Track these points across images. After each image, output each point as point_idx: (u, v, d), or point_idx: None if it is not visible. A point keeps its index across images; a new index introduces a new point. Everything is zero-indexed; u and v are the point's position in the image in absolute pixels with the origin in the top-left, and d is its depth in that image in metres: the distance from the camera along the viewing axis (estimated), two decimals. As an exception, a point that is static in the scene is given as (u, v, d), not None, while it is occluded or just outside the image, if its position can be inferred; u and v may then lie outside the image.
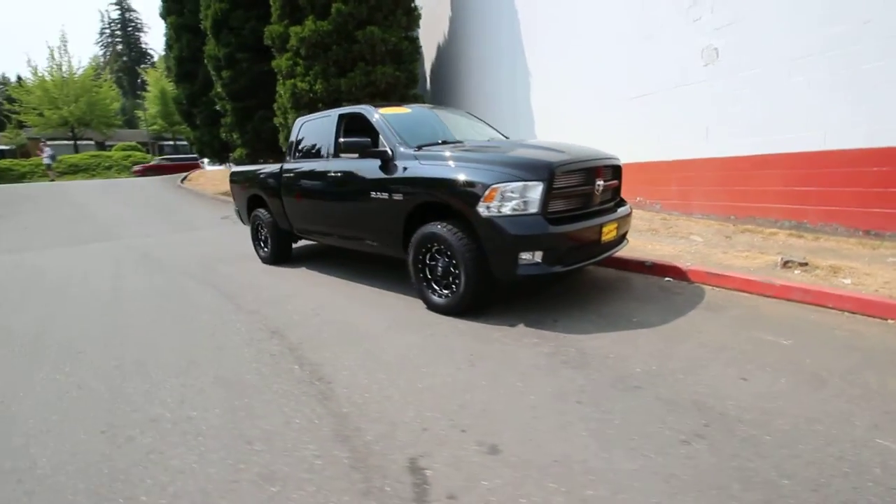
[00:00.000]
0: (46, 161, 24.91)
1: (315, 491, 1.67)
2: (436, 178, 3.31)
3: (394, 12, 10.51)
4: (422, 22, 11.25)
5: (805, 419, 1.92)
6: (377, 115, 4.02)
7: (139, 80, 42.35)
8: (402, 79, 10.64)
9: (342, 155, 3.88)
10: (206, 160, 33.53)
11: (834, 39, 4.31)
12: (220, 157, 15.59)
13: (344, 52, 10.26)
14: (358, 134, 4.27)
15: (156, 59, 50.20)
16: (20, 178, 26.58)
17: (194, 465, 1.84)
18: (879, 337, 2.64)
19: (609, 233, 3.42)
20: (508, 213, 3.02)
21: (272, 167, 5.32)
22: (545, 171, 3.03)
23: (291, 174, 4.91)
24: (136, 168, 28.14)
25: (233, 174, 6.21)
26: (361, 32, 10.17)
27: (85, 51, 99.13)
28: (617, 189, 3.82)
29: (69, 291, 4.87)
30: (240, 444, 1.97)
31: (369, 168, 3.90)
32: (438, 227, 3.30)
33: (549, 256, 3.07)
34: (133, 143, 35.73)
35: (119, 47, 60.03)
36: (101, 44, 60.01)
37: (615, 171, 3.69)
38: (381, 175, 3.74)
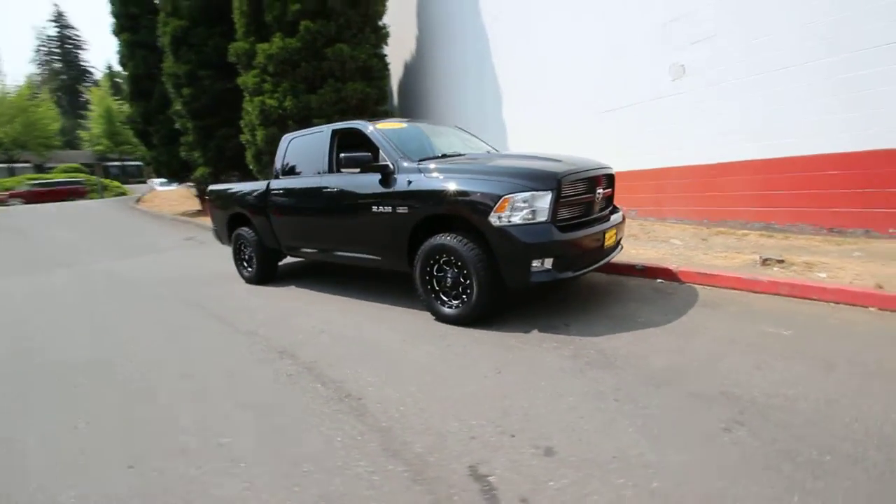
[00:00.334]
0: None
1: (383, 506, 1.64)
2: (445, 190, 3.35)
3: (362, 30, 10.58)
4: (389, 39, 11.37)
5: (825, 401, 2.07)
6: (375, 129, 4.04)
7: (80, 99, 40.15)
8: (372, 95, 10.68)
9: (343, 170, 3.85)
10: (156, 180, 32.17)
11: (795, 56, 4.72)
12: (178, 176, 14.97)
13: (313, 69, 10.21)
14: (351, 149, 4.26)
15: (98, 76, 47.95)
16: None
17: (246, 493, 1.76)
18: (868, 324, 2.88)
19: (610, 238, 3.57)
20: (519, 222, 3.10)
21: (257, 185, 5.19)
22: (553, 181, 3.13)
23: (280, 191, 4.81)
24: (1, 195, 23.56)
25: (211, 193, 6.01)
26: (331, 49, 10.16)
27: (19, 69, 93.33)
28: (611, 197, 3.99)
29: (42, 319, 4.52)
30: (286, 466, 1.90)
31: (368, 183, 3.89)
32: (448, 239, 3.33)
33: (559, 263, 3.16)
34: (76, 165, 33.68)
35: (57, 65, 56.79)
36: (37, 62, 56.60)
37: (609, 179, 3.85)
38: (383, 189, 3.74)
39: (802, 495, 1.53)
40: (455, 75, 10.81)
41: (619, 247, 3.99)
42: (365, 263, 4.18)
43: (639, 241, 5.57)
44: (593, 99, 6.96)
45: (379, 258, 3.96)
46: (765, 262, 4.16)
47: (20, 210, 20.26)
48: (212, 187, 6.05)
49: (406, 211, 3.59)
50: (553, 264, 3.16)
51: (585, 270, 3.39)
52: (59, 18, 57.31)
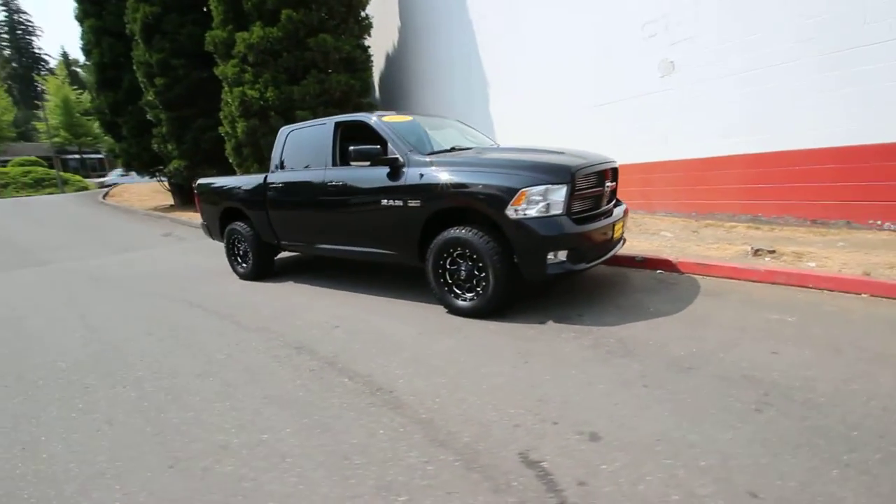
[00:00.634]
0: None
1: (446, 495, 1.66)
2: (460, 183, 3.36)
3: (346, 20, 10.41)
4: (371, 31, 11.22)
5: (842, 381, 2.21)
6: (382, 122, 4.00)
7: (36, 88, 37.97)
8: (356, 87, 10.55)
9: (352, 163, 3.80)
10: (116, 171, 30.86)
11: (781, 55, 4.93)
12: (149, 169, 14.39)
13: (295, 60, 10.00)
14: (353, 142, 4.22)
15: (53, 64, 45.44)
16: None
17: (300, 487, 1.75)
18: (863, 310, 3.07)
19: (617, 231, 3.67)
20: (535, 214, 3.15)
21: (253, 178, 5.07)
22: (567, 174, 3.19)
23: (280, 185, 4.72)
24: None
25: (200, 187, 5.83)
26: (314, 40, 9.96)
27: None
28: (614, 190, 4.09)
29: (28, 323, 4.31)
30: (335, 459, 1.90)
31: (376, 176, 3.87)
32: (463, 232, 3.35)
33: (573, 255, 3.24)
34: (33, 158, 31.87)
35: (7, 52, 53.42)
36: (-17, 48, 53.13)
37: (615, 173, 3.95)
38: (393, 182, 3.73)
39: (840, 467, 1.64)
40: (441, 68, 10.77)
41: (623, 239, 4.10)
42: (372, 258, 4.16)
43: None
44: (583, 94, 7.08)
45: (389, 252, 3.94)
46: (756, 252, 4.36)
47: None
48: (201, 181, 5.86)
49: (418, 204, 3.59)
50: (567, 256, 3.23)
51: (596, 262, 3.48)
52: (7, 3, 53.88)
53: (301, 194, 4.52)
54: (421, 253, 3.74)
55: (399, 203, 3.69)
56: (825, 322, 2.93)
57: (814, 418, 1.94)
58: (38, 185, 27.45)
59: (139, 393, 2.67)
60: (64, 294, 5.42)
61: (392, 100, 12.60)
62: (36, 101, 38.30)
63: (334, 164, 4.29)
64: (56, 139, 32.73)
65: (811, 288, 3.52)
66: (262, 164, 10.52)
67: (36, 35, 56.21)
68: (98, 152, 37.04)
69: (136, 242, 9.31)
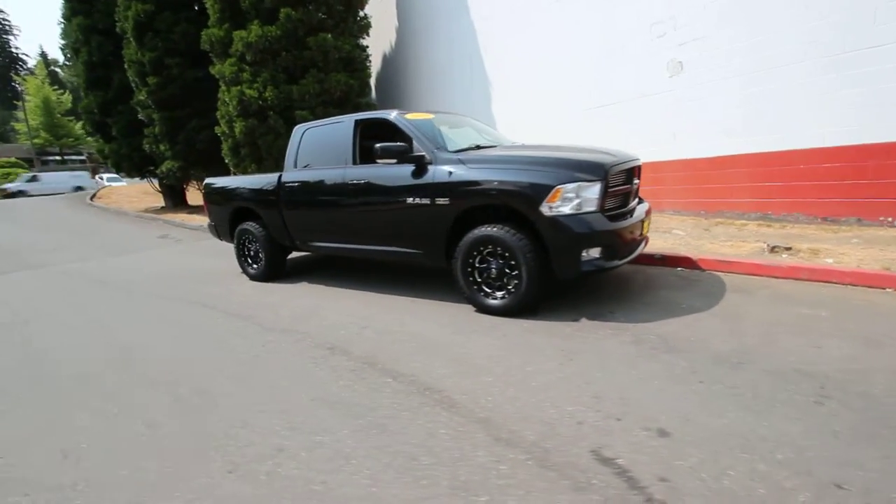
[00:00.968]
0: None
1: (526, 494, 1.62)
2: (493, 180, 3.33)
3: (345, 20, 10.34)
4: (369, 31, 11.15)
5: (892, 372, 2.23)
6: (406, 120, 3.96)
7: (14, 89, 36.92)
8: (355, 87, 10.48)
9: (378, 161, 3.75)
10: (105, 175, 30.19)
11: (786, 55, 5.02)
12: (140, 170, 14.07)
13: (294, 59, 9.89)
14: (371, 141, 4.18)
15: (31, 64, 44.31)
16: None
17: (373, 490, 1.70)
18: (891, 304, 3.12)
19: (645, 228, 3.68)
20: (570, 212, 3.14)
21: (266, 177, 4.98)
22: (602, 171, 3.19)
23: (295, 184, 4.63)
24: None
25: (209, 186, 5.71)
26: (313, 39, 9.87)
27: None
28: (637, 188, 4.10)
29: (34, 328, 4.16)
30: (402, 460, 1.85)
31: (400, 174, 3.82)
32: (495, 230, 3.32)
33: (607, 252, 3.24)
34: (13, 160, 30.96)
35: (-18, 50, 51.90)
36: (-43, 46, 51.48)
37: (639, 170, 3.96)
38: (419, 180, 3.68)
39: (916, 458, 1.66)
40: (440, 69, 10.75)
41: (646, 238, 4.12)
42: (395, 258, 4.11)
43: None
44: (588, 94, 7.12)
45: (414, 251, 3.89)
46: (773, 249, 4.41)
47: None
48: (210, 181, 5.74)
49: (447, 202, 3.55)
50: (601, 253, 3.23)
51: (626, 260, 3.48)
52: (-17, -1, 52.31)
53: (319, 193, 4.45)
54: (447, 252, 3.71)
55: (426, 201, 3.64)
56: (857, 316, 2.97)
57: (875, 409, 1.95)
58: (18, 188, 26.59)
59: (174, 396, 2.58)
60: (67, 297, 5.25)
61: (389, 100, 12.53)
62: (14, 101, 37.29)
63: (354, 163, 4.23)
64: (36, 140, 31.86)
65: (835, 283, 3.58)
66: (260, 165, 10.38)
67: (13, 34, 54.69)
68: (80, 154, 36.16)
69: (132, 245, 9.08)
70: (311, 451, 1.95)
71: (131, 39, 11.48)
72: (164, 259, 7.37)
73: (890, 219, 4.52)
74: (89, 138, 17.05)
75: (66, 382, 2.90)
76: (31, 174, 23.69)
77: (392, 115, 4.07)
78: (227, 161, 10.97)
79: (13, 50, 53.46)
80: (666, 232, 5.70)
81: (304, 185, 4.56)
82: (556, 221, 3.12)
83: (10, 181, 26.08)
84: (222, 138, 10.67)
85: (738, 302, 3.39)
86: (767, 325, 2.93)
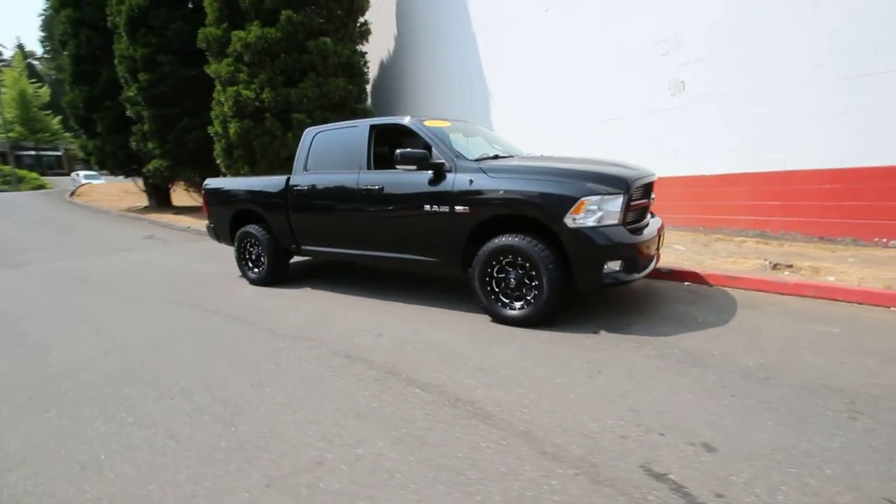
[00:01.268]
0: None
1: (585, 510, 1.60)
2: (517, 191, 3.33)
3: (345, 25, 10.33)
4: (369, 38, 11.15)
5: (917, 391, 2.29)
6: (426, 127, 3.94)
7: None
8: (354, 92, 10.46)
9: (398, 167, 3.70)
10: (82, 173, 29.29)
11: (788, 78, 5.19)
12: (125, 169, 13.70)
13: (293, 62, 9.81)
14: (384, 147, 4.14)
15: (6, 55, 42.94)
16: None
17: (425, 504, 1.65)
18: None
19: (661, 243, 3.73)
20: (593, 224, 3.16)
21: (273, 179, 4.89)
22: (624, 185, 3.23)
23: (305, 188, 4.56)
24: None
25: (209, 187, 5.57)
26: (314, 43, 9.82)
27: None
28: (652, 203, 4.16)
29: (25, 329, 3.96)
30: (449, 474, 1.80)
31: (417, 181, 3.79)
32: (517, 240, 3.31)
33: (627, 265, 3.26)
34: (-16, 152, 29.83)
35: (-46, 39, 49.97)
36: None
37: (654, 186, 4.02)
38: (438, 188, 3.66)
39: (960, 475, 1.69)
40: (439, 78, 10.79)
41: (658, 253, 4.16)
42: (409, 265, 4.06)
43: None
44: (591, 109, 7.23)
45: (429, 259, 3.85)
46: (775, 266, 4.52)
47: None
48: (211, 182, 5.61)
49: (467, 211, 3.53)
50: (621, 266, 3.25)
51: (643, 274, 3.51)
52: (-43, -14, 50.55)
53: (330, 198, 4.38)
54: (464, 260, 3.69)
55: (445, 209, 3.62)
56: (868, 334, 3.04)
57: (910, 426, 1.99)
58: (-11, 182, 25.63)
59: (193, 405, 2.47)
60: (55, 297, 5.03)
61: (385, 107, 12.51)
62: (-12, 93, 35.94)
63: (369, 168, 4.18)
64: (11, 134, 30.77)
65: (840, 301, 3.67)
66: (254, 167, 10.21)
67: (-12, 23, 52.91)
68: (56, 149, 35.03)
69: (117, 244, 8.80)
70: (351, 465, 1.89)
71: (123, 34, 11.24)
72: (154, 260, 7.16)
73: (885, 239, 4.69)
74: (67, 134, 16.52)
75: (70, 389, 2.76)
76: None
77: (410, 121, 4.05)
78: (218, 162, 10.77)
79: (-12, 40, 51.70)
80: (667, 247, 5.77)
81: (315, 189, 4.49)
82: (580, 233, 3.13)
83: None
84: (215, 138, 10.48)
85: (750, 317, 3.44)
86: (785, 340, 2.98)
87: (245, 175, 9.70)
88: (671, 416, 2.15)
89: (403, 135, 4.21)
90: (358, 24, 10.68)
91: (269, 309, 4.27)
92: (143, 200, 15.11)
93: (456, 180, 3.59)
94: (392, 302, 4.27)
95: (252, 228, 5.07)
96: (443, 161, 3.69)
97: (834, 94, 4.91)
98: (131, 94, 11.64)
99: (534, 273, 3.29)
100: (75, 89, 13.16)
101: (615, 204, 3.19)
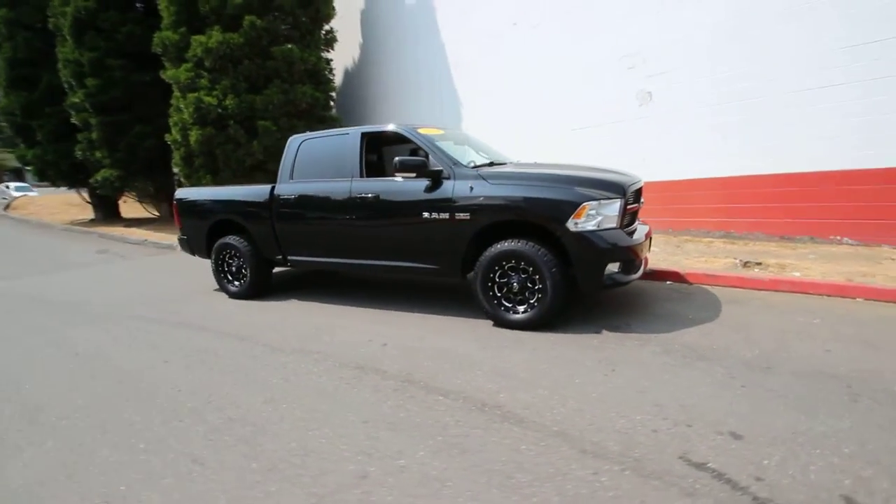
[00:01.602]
0: None
1: (639, 503, 1.65)
2: (520, 197, 3.39)
3: (312, 32, 10.17)
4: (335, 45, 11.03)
5: (899, 372, 2.53)
6: (421, 135, 3.95)
7: None
8: (321, 99, 10.30)
9: (396, 174, 3.68)
10: (12, 185, 27.06)
11: (747, 91, 5.60)
12: (69, 179, 12.77)
13: (257, 68, 9.56)
14: (374, 155, 4.11)
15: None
16: None
17: (485, 510, 1.64)
18: (867, 311, 3.52)
19: (648, 248, 3.90)
20: (594, 228, 3.27)
21: (256, 188, 4.73)
22: (621, 189, 3.37)
23: (292, 197, 4.44)
24: None
25: (182, 198, 5.30)
26: (279, 49, 9.62)
27: None
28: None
29: (-14, 355, 3.61)
30: (499, 479, 1.81)
31: (413, 188, 3.79)
32: (520, 245, 3.38)
33: (625, 267, 3.40)
34: None
35: None
36: None
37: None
38: (437, 195, 3.67)
39: (959, 445, 1.88)
40: (407, 86, 10.82)
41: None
42: (406, 273, 4.03)
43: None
44: (562, 118, 7.48)
45: (428, 266, 3.85)
46: (745, 264, 4.83)
47: None
48: (183, 192, 5.34)
49: (467, 217, 3.56)
50: (619, 268, 3.38)
51: (638, 275, 3.66)
52: None
53: (321, 206, 4.29)
54: (463, 266, 3.72)
55: (445, 216, 3.63)
56: (845, 323, 3.32)
57: (904, 404, 2.19)
58: None
59: (207, 426, 2.34)
60: (13, 320, 4.63)
61: (352, 115, 12.37)
62: None
63: (361, 175, 4.13)
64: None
65: (812, 294, 3.98)
66: (217, 176, 9.81)
67: None
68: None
69: (69, 260, 8.18)
70: (397, 476, 1.86)
71: (68, 37, 10.53)
72: (115, 276, 6.72)
73: (839, 237, 5.13)
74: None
75: (63, 417, 2.55)
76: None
77: (406, 129, 4.04)
78: (177, 171, 10.27)
79: None
80: (642, 248, 6.05)
81: (303, 198, 4.38)
82: (582, 237, 3.23)
83: None
84: (173, 147, 9.98)
85: (736, 312, 3.66)
86: (774, 332, 3.19)
87: (207, 185, 9.31)
88: (693, 409, 2.25)
89: (389, 142, 4.19)
90: (324, 32, 10.54)
91: (258, 323, 4.11)
92: (89, 213, 14.13)
93: (455, 187, 3.62)
94: (386, 311, 4.22)
95: (232, 240, 4.87)
96: (441, 168, 3.70)
97: (789, 105, 5.34)
98: (77, 99, 10.90)
99: (537, 277, 3.36)
100: (11, 95, 12.16)
101: (613, 208, 3.32)
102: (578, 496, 1.70)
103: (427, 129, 4.13)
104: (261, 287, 4.91)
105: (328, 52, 10.87)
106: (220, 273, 5.07)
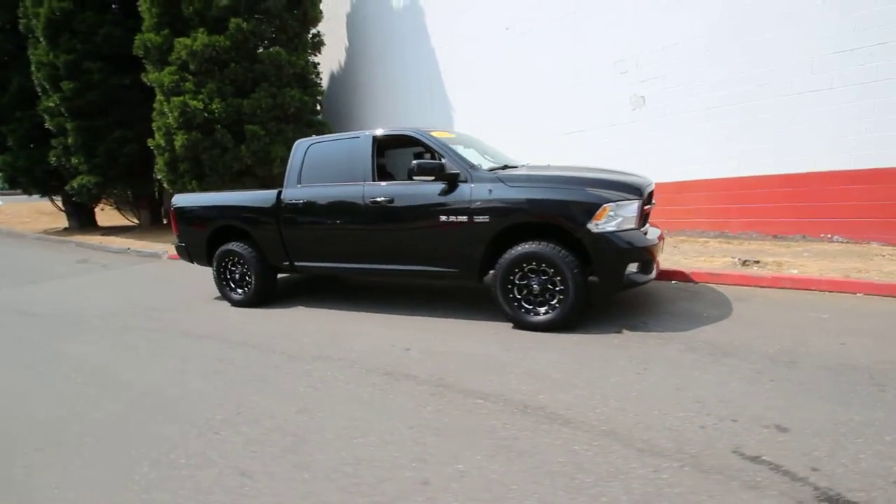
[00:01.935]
0: None
1: (709, 498, 1.66)
2: (540, 199, 3.42)
3: (299, 35, 10.05)
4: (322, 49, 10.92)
5: (916, 363, 2.64)
6: (435, 138, 3.94)
7: None
8: (309, 103, 10.18)
9: (414, 178, 3.65)
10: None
11: (740, 95, 5.79)
12: (43, 186, 12.23)
13: (244, 71, 9.40)
14: (387, 158, 4.08)
15: None
16: None
17: (559, 512, 1.64)
18: (868, 306, 3.67)
19: (662, 248, 3.98)
20: (614, 229, 3.32)
21: (262, 193, 4.64)
22: (639, 191, 3.43)
23: (300, 202, 4.36)
24: None
25: (180, 205, 5.14)
26: (266, 52, 9.49)
27: None
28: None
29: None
30: (564, 480, 1.80)
31: (428, 191, 3.78)
32: (541, 246, 3.40)
33: (644, 267, 3.46)
34: None
35: None
36: None
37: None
38: (453, 198, 3.67)
39: None
40: (395, 90, 10.79)
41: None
42: (421, 277, 4.01)
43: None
44: (556, 121, 7.59)
45: (446, 270, 3.83)
46: (744, 263, 4.98)
47: None
48: (181, 199, 5.18)
49: (486, 220, 3.57)
50: (637, 268, 3.44)
51: (654, 276, 3.72)
52: None
53: (332, 211, 4.23)
54: (481, 269, 3.72)
55: (463, 219, 3.63)
56: (853, 316, 3.45)
57: (930, 393, 2.30)
58: None
59: (244, 438, 2.27)
60: (2, 333, 4.39)
61: (340, 119, 12.26)
62: None
63: (374, 179, 4.09)
64: None
65: (814, 290, 4.13)
66: (202, 181, 9.58)
67: None
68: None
69: (49, 271, 7.83)
70: (460, 482, 1.83)
71: (42, 39, 10.11)
72: (102, 286, 6.46)
73: (829, 235, 5.35)
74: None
75: (85, 434, 2.42)
76: None
77: (420, 132, 4.03)
78: (160, 177, 9.99)
79: None
80: (640, 249, 6.18)
81: (313, 203, 4.30)
82: (603, 238, 3.28)
83: None
84: (157, 152, 9.71)
85: (746, 309, 3.77)
86: (788, 328, 3.29)
87: (193, 191, 9.06)
88: (732, 404, 2.30)
89: (392, 146, 4.16)
90: (311, 35, 10.44)
91: (269, 331, 4.01)
92: (62, 221, 13.57)
93: (473, 190, 3.62)
94: (397, 315, 4.19)
95: (235, 246, 4.75)
96: (458, 171, 3.70)
97: (781, 109, 5.55)
98: (51, 104, 10.48)
99: (558, 279, 3.39)
100: (-23, 98, 11.61)
101: (631, 209, 3.38)
102: (646, 494, 1.71)
103: (439, 133, 4.13)
104: (266, 294, 4.80)
105: (315, 55, 10.76)
106: (222, 281, 4.93)
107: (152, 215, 12.56)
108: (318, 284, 5.63)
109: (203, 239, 4.97)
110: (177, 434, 2.35)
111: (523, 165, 4.30)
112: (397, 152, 5.15)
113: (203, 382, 3.00)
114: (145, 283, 6.62)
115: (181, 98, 8.98)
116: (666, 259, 5.41)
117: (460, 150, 4.15)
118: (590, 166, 4.24)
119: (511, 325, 3.65)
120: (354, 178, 4.16)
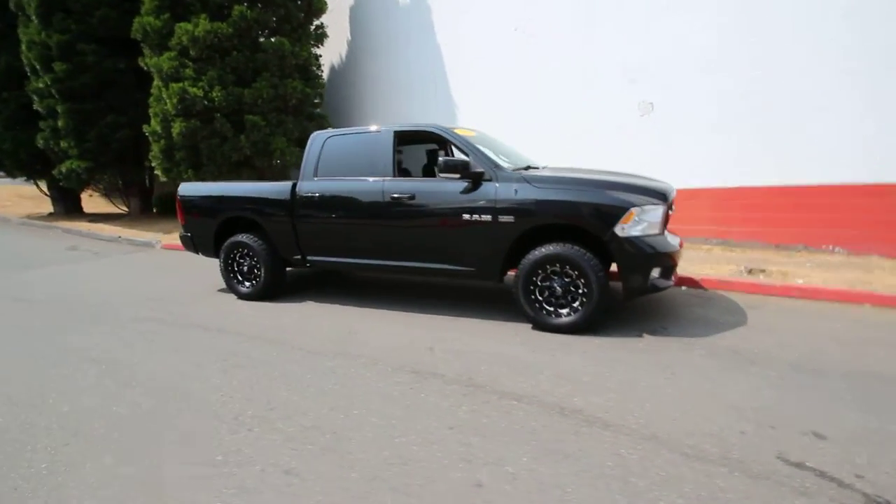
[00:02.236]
0: None
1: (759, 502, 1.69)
2: (568, 201, 3.41)
3: (303, 25, 9.90)
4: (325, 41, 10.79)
5: (934, 374, 2.72)
6: (459, 136, 3.91)
7: None
8: (311, 95, 10.04)
9: (440, 175, 3.61)
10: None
11: (748, 107, 5.89)
12: (29, 169, 11.83)
13: (246, 60, 9.22)
14: (406, 154, 4.05)
15: None
16: None
17: (620, 515, 1.64)
18: (879, 316, 3.76)
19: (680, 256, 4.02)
20: (639, 233, 3.35)
21: (276, 185, 4.55)
22: (664, 196, 3.46)
23: (316, 196, 4.29)
24: None
25: (187, 194, 5.01)
26: (269, 42, 9.32)
27: None
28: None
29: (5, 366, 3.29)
30: (617, 484, 1.80)
31: (451, 189, 3.76)
32: (565, 248, 3.40)
33: (666, 272, 3.49)
34: None
35: None
36: None
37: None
38: (477, 196, 3.65)
39: None
40: (398, 86, 10.69)
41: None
42: (439, 274, 3.98)
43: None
44: (563, 123, 7.61)
45: (464, 269, 3.81)
46: (750, 271, 5.07)
47: None
48: (187, 187, 5.05)
49: (511, 220, 3.55)
50: (660, 273, 3.47)
51: (674, 281, 3.75)
52: None
53: (350, 205, 4.17)
54: (502, 269, 3.71)
55: (487, 218, 3.61)
56: (864, 326, 3.54)
57: (955, 404, 2.36)
58: None
59: (282, 436, 2.22)
60: (2, 322, 4.23)
61: (340, 113, 12.12)
62: None
63: (394, 175, 4.05)
64: None
65: (822, 300, 4.22)
66: (199, 171, 9.37)
67: None
68: None
69: (39, 258, 7.58)
70: (513, 484, 1.82)
71: (34, 18, 9.76)
72: (97, 275, 6.28)
73: (831, 246, 5.48)
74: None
75: (112, 429, 2.34)
76: None
77: (443, 129, 4.00)
78: (154, 165, 9.72)
79: None
80: (644, 254, 6.24)
81: (330, 197, 4.24)
82: (630, 241, 3.30)
83: None
84: (152, 139, 9.45)
85: (759, 316, 3.83)
86: (803, 335, 3.36)
87: (189, 179, 8.87)
88: (767, 411, 2.34)
89: (408, 142, 4.10)
90: (314, 27, 10.30)
91: (282, 325, 3.94)
92: (46, 206, 13.15)
93: (499, 190, 3.61)
94: (411, 313, 4.15)
95: (245, 238, 4.65)
96: (483, 170, 3.68)
97: (787, 122, 5.66)
98: (41, 85, 10.13)
99: (581, 281, 3.40)
100: (-37, 76, 11.17)
101: (657, 214, 3.41)
102: (702, 498, 1.73)
103: (462, 130, 4.10)
104: (276, 288, 4.72)
105: (318, 47, 10.62)
106: (229, 273, 4.83)
107: (142, 203, 12.25)
108: (326, 280, 5.56)
109: (211, 230, 4.85)
110: (207, 430, 2.29)
111: (545, 167, 4.30)
112: (410, 148, 5.12)
113: (224, 377, 2.93)
114: (142, 273, 6.45)
115: (180, 84, 8.76)
116: (672, 265, 5.48)
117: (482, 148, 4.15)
118: (610, 170, 4.27)
119: (530, 325, 3.65)
120: (374, 172, 4.11)
